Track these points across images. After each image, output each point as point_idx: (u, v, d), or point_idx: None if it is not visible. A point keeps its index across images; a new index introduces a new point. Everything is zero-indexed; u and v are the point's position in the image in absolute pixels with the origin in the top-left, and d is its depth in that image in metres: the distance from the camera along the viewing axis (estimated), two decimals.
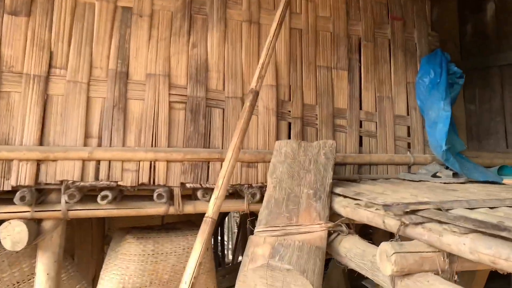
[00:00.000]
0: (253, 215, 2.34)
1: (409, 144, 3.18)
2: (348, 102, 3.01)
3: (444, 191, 2.16)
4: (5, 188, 2.14)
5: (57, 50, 2.39)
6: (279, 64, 2.82)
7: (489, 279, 2.75)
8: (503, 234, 1.21)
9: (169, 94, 2.53)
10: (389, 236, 3.84)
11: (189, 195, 2.59)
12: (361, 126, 3.04)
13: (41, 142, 2.28)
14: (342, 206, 2.08)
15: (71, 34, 2.42)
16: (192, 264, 1.71)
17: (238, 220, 7.87)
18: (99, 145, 2.37)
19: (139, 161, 2.38)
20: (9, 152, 2.14)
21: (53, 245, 2.25)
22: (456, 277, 1.53)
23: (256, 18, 2.82)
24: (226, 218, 7.58)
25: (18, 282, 2.52)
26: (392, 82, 3.18)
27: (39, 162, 2.21)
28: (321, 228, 2.02)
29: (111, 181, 2.31)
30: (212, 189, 2.07)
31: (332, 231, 2.10)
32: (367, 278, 1.90)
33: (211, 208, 1.88)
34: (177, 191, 2.42)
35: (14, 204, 2.09)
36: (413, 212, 1.56)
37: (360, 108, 3.06)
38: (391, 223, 1.68)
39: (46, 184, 2.22)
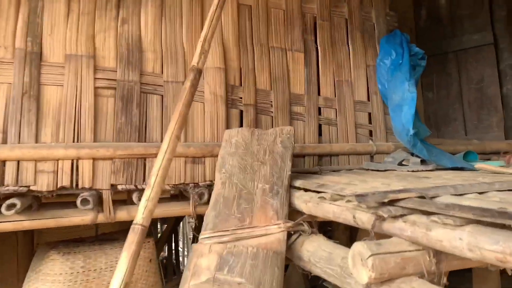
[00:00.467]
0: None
1: (370, 132, 2.93)
2: (306, 87, 2.71)
3: (416, 179, 1.89)
4: None
5: None
6: (227, 44, 2.47)
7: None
8: None
9: (95, 78, 2.11)
10: (350, 232, 3.61)
11: (124, 200, 2.19)
12: (320, 114, 2.75)
13: None
14: (303, 201, 1.76)
15: None
16: (115, 286, 1.32)
17: (193, 225, 7.44)
18: (4, 141, 1.91)
19: (58, 160, 1.95)
20: None
21: None
22: (445, 279, 1.25)
23: None
24: (181, 223, 7.14)
25: None
26: (351, 65, 2.92)
27: None
28: (280, 229, 1.69)
29: (21, 186, 1.86)
30: None
31: (292, 232, 1.77)
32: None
33: (140, 212, 1.50)
34: (107, 195, 2.01)
35: None
36: (391, 203, 1.26)
37: (319, 94, 2.77)
38: (363, 218, 1.38)
39: None
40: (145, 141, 2.16)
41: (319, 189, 1.69)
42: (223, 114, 2.35)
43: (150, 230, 5.38)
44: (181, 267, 6.75)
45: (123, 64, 2.17)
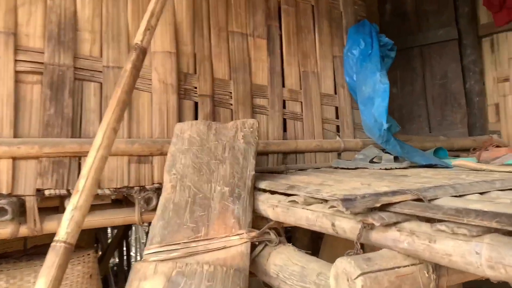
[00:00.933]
0: None
1: (337, 128, 2.72)
2: (269, 77, 2.44)
3: (395, 178, 1.67)
4: None
5: None
6: (180, 25, 2.15)
7: None
8: None
9: (15, 60, 1.72)
10: (310, 236, 3.37)
11: (56, 207, 1.82)
12: (284, 107, 2.50)
13: None
14: (270, 206, 1.49)
15: None
16: None
17: (147, 228, 7.01)
18: None
19: None
20: None
21: None
22: None
23: None
24: (133, 227, 6.69)
25: None
26: (317, 55, 2.68)
27: None
28: (242, 240, 1.41)
29: None
30: None
31: (257, 243, 1.49)
32: None
33: (64, 226, 1.16)
34: (31, 202, 1.64)
35: None
36: (383, 207, 1.01)
37: (283, 86, 2.51)
38: (345, 226, 1.12)
39: None
40: (80, 137, 1.80)
41: (289, 191, 1.42)
42: (175, 106, 2.03)
43: (97, 236, 4.96)
44: None
45: (53, 44, 1.80)
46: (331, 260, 2.75)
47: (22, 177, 1.65)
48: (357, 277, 0.92)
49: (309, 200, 1.28)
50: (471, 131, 3.79)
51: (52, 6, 1.83)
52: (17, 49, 1.73)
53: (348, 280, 0.95)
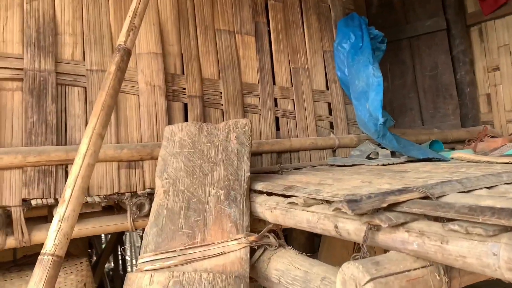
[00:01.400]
0: None
1: (331, 124, 2.67)
2: (259, 75, 2.38)
3: (395, 174, 1.62)
4: None
5: None
6: (165, 25, 2.08)
7: None
8: None
9: None
10: (307, 235, 3.32)
11: (45, 217, 1.75)
12: (276, 105, 2.44)
13: None
14: (268, 208, 1.43)
15: None
16: None
17: (142, 232, 6.90)
18: None
19: None
20: None
21: None
22: None
23: None
24: (128, 231, 6.59)
25: None
26: (307, 51, 2.63)
27: None
28: (241, 244, 1.34)
29: None
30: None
31: (256, 247, 1.43)
32: None
33: (51, 238, 1.09)
34: (17, 213, 1.56)
35: None
36: (389, 207, 0.96)
37: (274, 83, 2.46)
38: (349, 228, 1.07)
39: None
40: (65, 144, 1.73)
41: (287, 193, 1.37)
42: (163, 108, 1.96)
43: (91, 241, 4.86)
44: None
45: (32, 49, 1.72)
46: (330, 259, 2.71)
47: (6, 188, 1.57)
48: (366, 283, 0.87)
49: (309, 201, 1.22)
50: (463, 122, 3.77)
51: (29, 11, 1.75)
52: None
53: (356, 286, 0.89)
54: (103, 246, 5.62)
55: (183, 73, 2.10)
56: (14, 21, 1.72)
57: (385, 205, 0.92)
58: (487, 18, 3.63)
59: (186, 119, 2.07)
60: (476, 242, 0.79)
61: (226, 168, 1.55)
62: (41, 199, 1.61)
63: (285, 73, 2.51)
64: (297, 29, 2.60)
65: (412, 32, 3.90)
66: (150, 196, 1.76)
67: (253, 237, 1.37)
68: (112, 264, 5.85)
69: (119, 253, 5.73)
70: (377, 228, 0.97)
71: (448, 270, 0.94)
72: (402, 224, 0.93)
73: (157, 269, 1.21)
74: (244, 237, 1.36)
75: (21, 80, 1.68)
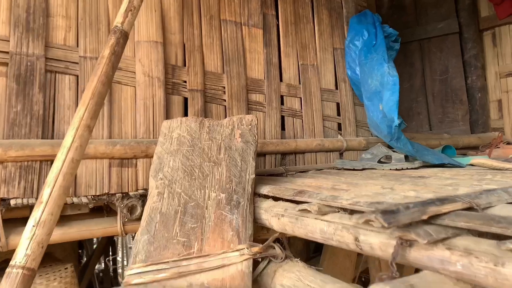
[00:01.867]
0: None
1: (339, 125, 2.52)
2: (266, 71, 2.23)
3: (414, 180, 1.47)
4: None
5: None
6: (167, 12, 1.92)
7: None
8: None
9: None
10: (304, 241, 3.19)
11: (25, 218, 1.59)
12: (282, 103, 2.29)
13: None
14: (275, 215, 1.27)
15: None
16: None
17: (134, 233, 6.72)
18: None
19: None
20: None
21: None
22: None
23: None
24: None
25: None
26: (317, 47, 2.48)
27: None
28: (243, 257, 1.19)
29: None
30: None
31: (259, 259, 1.28)
32: None
33: (23, 247, 0.93)
34: None
35: None
36: (428, 220, 0.80)
37: (281, 80, 2.31)
38: (374, 241, 0.91)
39: None
40: (52, 138, 1.57)
41: (297, 198, 1.21)
42: (161, 102, 1.81)
43: (82, 242, 4.69)
44: (119, 279, 6.09)
45: (20, 31, 1.56)
46: (333, 269, 2.53)
47: None
48: None
49: (324, 208, 1.07)
50: (473, 129, 3.63)
51: None
52: None
53: None
54: (94, 246, 5.46)
55: (185, 65, 1.95)
56: None
57: (425, 217, 0.77)
58: (501, 22, 3.50)
59: (186, 115, 1.91)
60: None
61: (228, 168, 1.39)
62: (22, 198, 1.45)
63: (293, 70, 2.36)
64: (307, 24, 2.45)
65: (423, 34, 3.76)
66: (143, 198, 1.60)
67: (257, 248, 1.22)
68: (103, 265, 5.69)
69: (110, 254, 5.58)
70: (410, 243, 0.82)
71: None
72: (443, 240, 0.78)
73: (146, 284, 1.06)
74: (247, 248, 1.21)
75: (6, 64, 1.52)
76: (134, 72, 1.77)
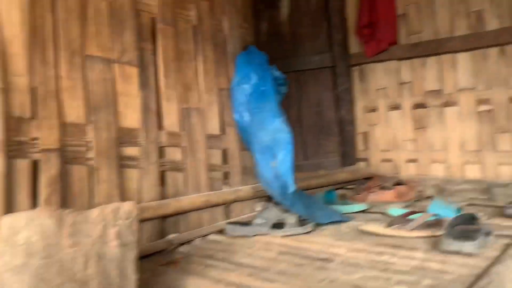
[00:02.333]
0: None
1: (225, 174, 2.29)
2: (142, 118, 1.87)
3: (315, 268, 1.31)
4: None
5: None
6: (9, 46, 1.42)
7: None
8: None
9: None
10: None
11: None
12: (162, 156, 1.95)
13: None
14: None
15: None
16: None
17: None
18: None
19: None
20: None
21: None
22: None
23: None
24: None
25: None
26: (201, 88, 2.20)
27: None
28: None
29: None
30: None
31: None
32: None
33: None
34: None
35: None
36: None
37: (160, 128, 1.97)
38: None
39: None
40: None
41: None
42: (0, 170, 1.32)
43: None
44: None
45: None
46: None
47: None
48: None
49: None
50: (344, 160, 3.79)
51: None
52: None
53: None
54: None
55: (35, 117, 1.48)
56: None
57: None
58: (368, 60, 3.71)
59: (35, 185, 1.45)
60: None
61: None
62: None
63: (175, 115, 2.04)
64: (191, 62, 2.16)
65: (300, 66, 3.78)
66: None
67: None
68: None
69: None
70: None
71: None
72: None
73: None
74: None
75: None
76: None
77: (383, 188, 2.68)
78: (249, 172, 2.36)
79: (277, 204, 2.03)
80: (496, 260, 1.33)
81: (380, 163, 3.73)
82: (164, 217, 1.86)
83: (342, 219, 2.10)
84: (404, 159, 3.57)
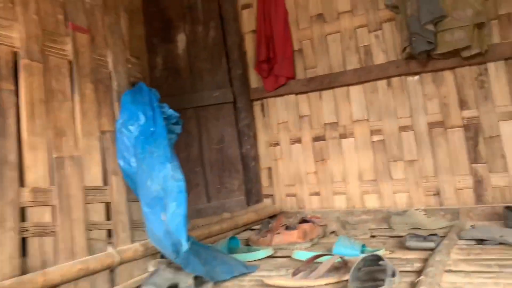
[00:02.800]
0: None
1: (109, 232, 1.96)
2: None
3: None
4: None
5: None
6: None
7: None
8: None
9: None
10: None
11: None
12: (24, 219, 1.59)
13: None
14: None
15: None
16: None
17: None
18: None
19: None
20: None
21: None
22: None
23: None
24: None
25: None
26: (79, 132, 1.88)
27: None
28: None
29: None
30: None
31: None
32: None
33: None
34: None
35: None
36: None
37: (22, 185, 1.60)
38: None
39: None
40: None
41: None
42: None
43: None
44: None
45: None
46: None
47: None
48: None
49: None
50: (248, 197, 3.65)
51: None
52: None
53: None
54: None
55: None
56: None
57: None
58: (269, 95, 3.67)
59: None
60: None
61: None
62: None
63: (43, 167, 1.69)
64: (65, 102, 1.84)
65: (200, 101, 3.60)
66: None
67: None
68: None
69: None
70: None
71: None
72: None
73: None
74: None
75: None
76: None
77: (287, 228, 2.55)
78: (140, 226, 2.06)
79: (170, 263, 1.77)
80: None
81: (285, 198, 3.66)
82: None
83: (246, 270, 1.91)
84: (307, 192, 3.54)
